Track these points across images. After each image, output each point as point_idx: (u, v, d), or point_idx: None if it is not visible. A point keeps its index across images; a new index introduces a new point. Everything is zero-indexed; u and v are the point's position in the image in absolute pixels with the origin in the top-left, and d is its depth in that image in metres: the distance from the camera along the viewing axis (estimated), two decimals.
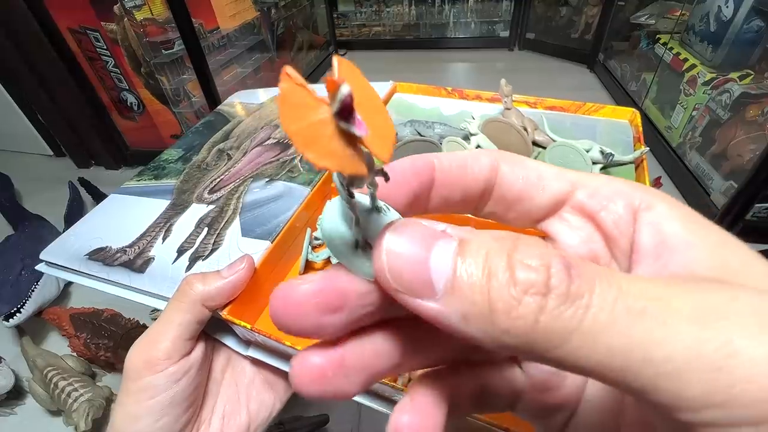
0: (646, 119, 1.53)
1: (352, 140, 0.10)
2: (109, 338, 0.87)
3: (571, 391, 0.15)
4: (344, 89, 0.08)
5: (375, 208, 0.13)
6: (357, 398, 0.23)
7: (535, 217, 0.15)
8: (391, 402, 0.23)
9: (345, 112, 0.09)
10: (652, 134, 1.48)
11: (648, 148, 0.33)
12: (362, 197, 0.13)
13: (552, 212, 0.14)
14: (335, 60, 0.10)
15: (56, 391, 0.79)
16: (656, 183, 1.14)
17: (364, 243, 0.12)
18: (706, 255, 0.11)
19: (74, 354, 0.89)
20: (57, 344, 0.96)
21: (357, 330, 0.13)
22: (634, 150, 0.37)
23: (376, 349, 0.13)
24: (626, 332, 0.09)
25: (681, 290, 0.09)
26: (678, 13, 1.53)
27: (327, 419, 0.80)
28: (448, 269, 0.10)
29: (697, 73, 1.29)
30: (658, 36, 1.59)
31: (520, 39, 2.42)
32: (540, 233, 0.15)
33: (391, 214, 0.13)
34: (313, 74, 2.24)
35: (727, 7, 1.21)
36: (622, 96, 1.77)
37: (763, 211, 1.05)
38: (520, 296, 0.09)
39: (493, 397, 0.15)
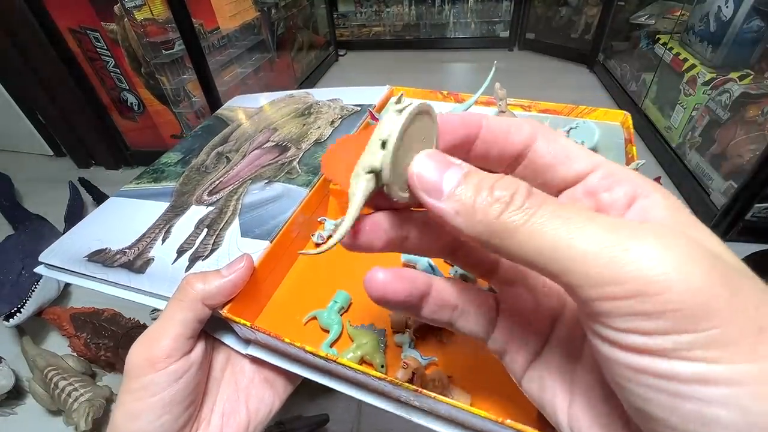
0: (646, 119, 1.53)
1: None
2: (109, 338, 0.88)
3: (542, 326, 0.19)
4: None
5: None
6: (357, 396, 0.24)
7: (557, 188, 0.17)
8: (391, 399, 0.23)
9: None
10: (651, 134, 1.48)
11: (644, 161, 0.34)
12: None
13: (572, 185, 0.17)
14: None
15: (56, 391, 0.79)
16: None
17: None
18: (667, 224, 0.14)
19: (74, 354, 0.90)
20: (57, 344, 0.96)
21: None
22: (626, 151, 0.38)
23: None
24: (554, 231, 0.13)
25: (604, 215, 0.13)
26: (678, 13, 1.53)
27: (327, 419, 0.80)
28: (454, 183, 0.15)
29: (697, 73, 1.29)
30: (657, 36, 1.59)
31: (520, 39, 2.42)
32: None
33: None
34: (313, 74, 2.24)
35: (727, 7, 1.21)
36: (621, 96, 1.77)
37: (762, 211, 1.05)
38: (492, 203, 0.14)
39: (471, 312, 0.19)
